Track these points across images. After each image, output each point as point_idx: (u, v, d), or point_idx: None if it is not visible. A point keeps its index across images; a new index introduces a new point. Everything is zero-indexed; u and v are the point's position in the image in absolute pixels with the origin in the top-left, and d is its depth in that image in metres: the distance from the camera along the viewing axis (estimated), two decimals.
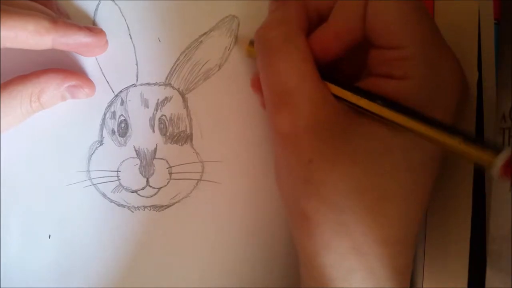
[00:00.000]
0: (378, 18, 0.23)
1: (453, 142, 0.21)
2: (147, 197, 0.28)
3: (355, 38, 0.24)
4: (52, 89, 0.26)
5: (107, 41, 0.28)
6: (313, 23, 0.25)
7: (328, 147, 0.22)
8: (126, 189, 0.28)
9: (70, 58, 0.28)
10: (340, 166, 0.22)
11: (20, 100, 0.26)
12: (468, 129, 0.26)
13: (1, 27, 0.23)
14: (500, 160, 0.19)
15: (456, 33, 0.25)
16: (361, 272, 0.22)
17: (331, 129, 0.23)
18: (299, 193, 0.23)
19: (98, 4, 0.28)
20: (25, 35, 0.24)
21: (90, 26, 0.27)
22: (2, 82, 0.26)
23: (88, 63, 0.28)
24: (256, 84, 0.27)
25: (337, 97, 0.23)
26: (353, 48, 0.25)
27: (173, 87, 0.28)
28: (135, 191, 0.28)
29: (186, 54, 0.28)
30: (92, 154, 0.28)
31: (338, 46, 0.24)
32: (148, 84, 0.28)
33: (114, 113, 0.28)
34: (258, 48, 0.25)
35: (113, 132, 0.28)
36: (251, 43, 0.26)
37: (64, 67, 0.27)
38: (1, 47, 0.24)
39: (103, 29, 0.27)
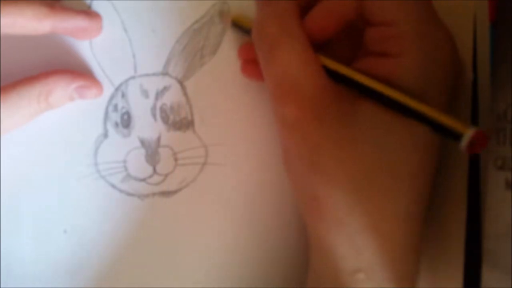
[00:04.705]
0: None
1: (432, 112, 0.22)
2: (155, 184, 0.29)
3: (350, 17, 0.25)
4: (60, 89, 0.27)
5: (102, 25, 0.28)
6: (303, 6, 0.26)
7: (334, 131, 0.23)
8: (135, 179, 0.29)
9: (67, 54, 0.28)
10: (347, 148, 0.23)
11: (28, 100, 0.26)
12: None
13: (0, 14, 0.24)
14: (470, 132, 0.21)
15: (452, 34, 0.25)
16: (372, 249, 0.23)
17: (335, 112, 0.23)
18: (308, 177, 0.23)
19: (91, 3, 0.29)
20: (24, 21, 0.25)
21: (86, 10, 0.28)
22: (8, 83, 0.26)
23: (86, 58, 0.29)
24: (246, 69, 0.28)
25: (337, 81, 0.24)
26: (347, 32, 0.25)
27: (171, 76, 0.29)
28: (143, 180, 0.29)
29: (180, 43, 0.29)
30: (98, 147, 0.28)
31: (333, 26, 0.25)
32: (147, 75, 0.29)
33: (116, 105, 0.29)
34: (257, 46, 0.25)
35: (116, 124, 0.29)
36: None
37: (62, 64, 0.28)
38: (1, 34, 0.25)
39: None
